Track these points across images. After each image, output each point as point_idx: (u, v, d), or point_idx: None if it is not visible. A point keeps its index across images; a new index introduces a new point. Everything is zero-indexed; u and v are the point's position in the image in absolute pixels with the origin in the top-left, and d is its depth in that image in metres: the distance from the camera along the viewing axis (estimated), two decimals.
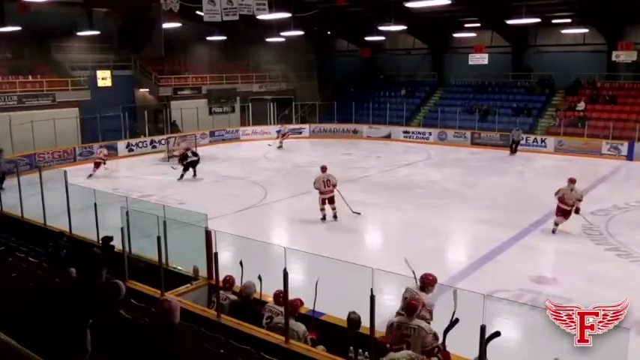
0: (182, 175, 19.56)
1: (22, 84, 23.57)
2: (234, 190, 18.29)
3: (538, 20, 24.85)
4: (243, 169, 21.96)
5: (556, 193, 13.10)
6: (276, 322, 6.18)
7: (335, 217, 14.25)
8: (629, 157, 24.06)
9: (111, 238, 7.88)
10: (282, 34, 27.80)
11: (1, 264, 6.57)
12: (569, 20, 27.24)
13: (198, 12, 18.49)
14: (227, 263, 8.04)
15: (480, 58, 28.14)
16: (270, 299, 6.68)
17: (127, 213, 8.23)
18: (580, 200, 12.83)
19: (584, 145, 25.36)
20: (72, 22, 25.30)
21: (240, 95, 32.30)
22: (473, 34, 31.11)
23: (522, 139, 26.15)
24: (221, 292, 6.84)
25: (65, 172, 10.67)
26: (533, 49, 31.67)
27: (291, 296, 6.08)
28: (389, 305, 7.10)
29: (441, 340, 5.78)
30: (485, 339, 5.52)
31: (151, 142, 26.06)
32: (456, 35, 32.39)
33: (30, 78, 24.27)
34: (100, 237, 8.38)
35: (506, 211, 15.28)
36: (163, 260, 7.47)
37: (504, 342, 7.39)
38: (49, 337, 3.45)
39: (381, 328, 6.12)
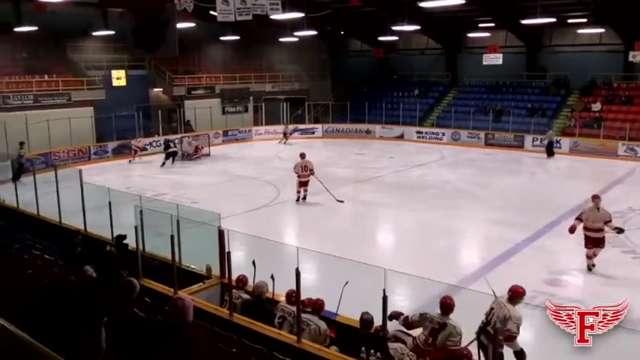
0: (163, 163, 22.45)
1: (38, 83, 23.82)
2: (246, 190, 18.34)
3: (553, 20, 24.65)
4: (255, 168, 22.01)
5: (578, 218, 10.62)
6: (303, 319, 6.16)
7: (305, 198, 16.14)
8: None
9: (124, 237, 7.94)
10: (295, 33, 27.81)
11: (17, 261, 6.65)
12: (584, 20, 26.98)
13: (212, 12, 18.57)
14: (240, 262, 8.06)
15: (494, 58, 27.99)
16: (283, 299, 6.69)
17: (141, 212, 8.29)
18: (610, 221, 10.49)
19: (599, 146, 25.10)
20: (87, 22, 25.50)
21: (254, 95, 32.39)
22: (487, 34, 30.95)
23: (554, 140, 25.51)
24: (234, 291, 6.86)
25: (80, 170, 10.77)
26: (548, 49, 31.40)
27: (302, 296, 6.10)
28: (401, 306, 7.10)
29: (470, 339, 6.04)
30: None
31: (165, 141, 26.17)
32: (469, 35, 32.25)
33: (46, 77, 24.53)
34: (114, 235, 8.45)
35: (520, 212, 15.17)
36: (176, 259, 7.51)
37: (519, 344, 7.37)
38: (64, 334, 3.48)
39: (392, 328, 6.11)
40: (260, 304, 6.75)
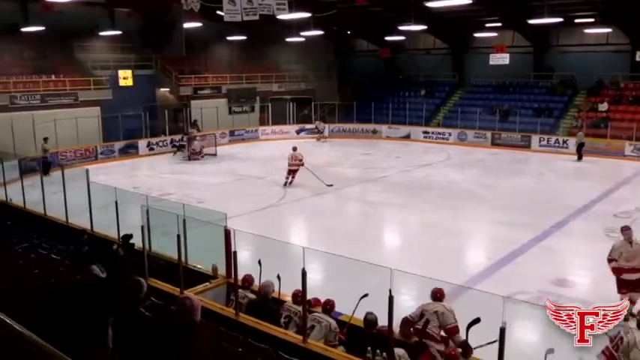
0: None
1: (45, 83, 23.92)
2: (253, 190, 18.37)
3: (560, 20, 24.53)
4: (262, 168, 22.04)
5: (611, 258, 8.66)
6: (314, 317, 6.17)
7: (291, 183, 18.43)
8: None
9: (131, 236, 7.96)
10: (301, 33, 27.84)
11: (24, 260, 6.68)
12: (592, 20, 26.86)
13: (218, 12, 18.60)
14: (246, 262, 8.08)
15: (500, 58, 27.90)
16: (289, 299, 6.70)
17: (147, 211, 8.31)
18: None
19: (606, 146, 24.97)
20: (94, 22, 25.59)
21: (260, 95, 32.43)
22: (494, 34, 30.87)
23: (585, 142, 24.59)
24: (240, 290, 6.87)
25: (87, 170, 10.82)
26: (555, 49, 31.29)
27: (308, 296, 6.10)
28: (407, 306, 7.08)
29: (464, 337, 5.95)
30: (467, 325, 5.90)
31: (171, 141, 26.27)
32: (476, 35, 32.17)
33: (53, 77, 24.63)
34: (121, 235, 8.47)
35: (527, 212, 15.10)
36: (183, 258, 7.53)
37: (524, 346, 7.37)
38: (71, 333, 3.49)
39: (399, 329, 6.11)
40: (266, 304, 6.76)
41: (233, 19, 17.27)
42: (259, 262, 7.24)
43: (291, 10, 18.17)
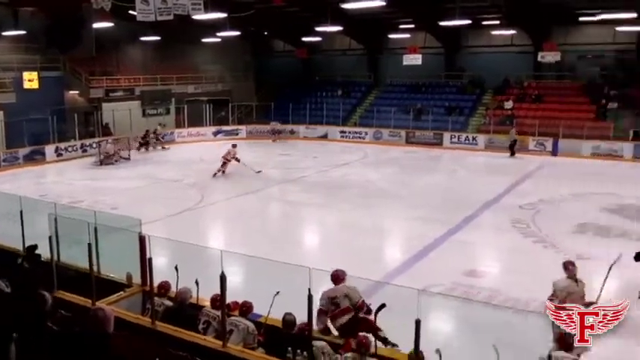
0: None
1: None
2: (169, 194, 17.96)
3: (469, 22, 25.64)
4: (179, 171, 21.59)
5: (554, 296, 7.03)
6: (232, 321, 6.13)
7: (219, 172, 20.35)
8: (554, 153, 25.23)
9: (35, 247, 7.59)
10: (218, 34, 27.52)
11: None
12: (498, 22, 28.30)
13: (131, 11, 18.06)
14: (163, 269, 7.89)
15: (414, 59, 28.76)
16: (208, 304, 6.62)
17: (56, 220, 7.94)
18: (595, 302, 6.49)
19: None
20: None
21: (176, 97, 31.74)
22: (407, 36, 31.81)
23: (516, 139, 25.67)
24: (156, 298, 6.72)
25: None
26: (465, 50, 32.71)
27: (228, 299, 6.06)
28: None
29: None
30: (375, 311, 6.22)
31: (82, 145, 25.22)
32: (390, 36, 33.03)
33: None
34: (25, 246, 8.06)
35: (439, 208, 15.70)
36: (95, 268, 7.26)
37: (440, 335, 7.65)
38: None
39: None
40: (183, 310, 6.64)
41: (146, 19, 16.84)
42: (176, 268, 7.11)
43: (206, 10, 17.92)
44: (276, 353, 5.79)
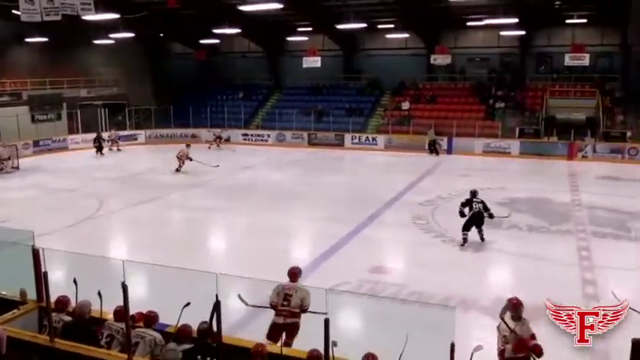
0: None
1: None
2: (65, 204, 17.00)
3: (365, 25, 26.37)
4: (74, 180, 20.49)
5: (503, 341, 5.87)
6: (137, 333, 5.90)
7: (177, 171, 21.56)
8: (449, 151, 26.50)
9: None
10: (111, 35, 26.46)
11: None
12: (392, 26, 29.33)
13: (15, 11, 16.93)
14: (61, 283, 7.48)
15: (313, 61, 29.11)
16: (111, 316, 6.35)
17: None
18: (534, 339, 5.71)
19: (410, 141, 27.45)
20: None
21: (67, 101, 30.12)
22: (306, 38, 32.18)
23: (435, 139, 26.46)
24: (54, 314, 6.34)
25: None
26: (362, 52, 33.62)
27: (133, 310, 5.84)
28: (238, 308, 7.14)
29: None
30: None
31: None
32: (290, 39, 33.24)
33: None
34: None
35: (344, 207, 16.02)
36: None
37: (349, 331, 7.81)
38: None
39: (227, 333, 6.11)
40: (82, 324, 6.32)
41: (31, 19, 15.82)
42: (75, 281, 6.75)
43: (97, 10, 17.11)
44: None
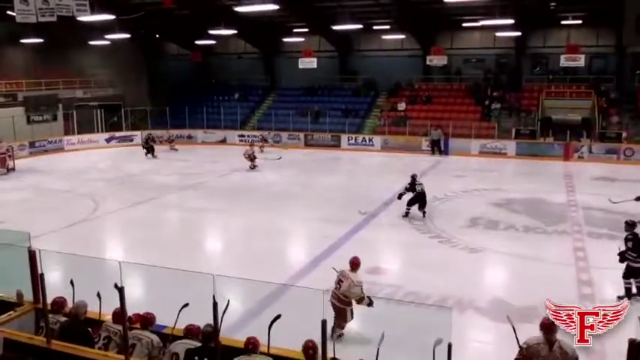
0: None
1: None
2: (61, 205, 16.98)
3: (360, 26, 26.40)
4: (70, 181, 20.46)
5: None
6: (134, 335, 5.89)
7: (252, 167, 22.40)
8: (445, 152, 26.54)
9: None
10: (106, 36, 26.41)
11: None
12: (388, 27, 29.36)
13: (9, 12, 16.87)
14: (58, 284, 7.47)
15: (309, 62, 29.13)
16: (109, 317, 6.34)
17: None
18: None
19: (406, 142, 27.49)
20: None
21: (63, 102, 30.08)
22: (301, 39, 32.19)
23: (441, 138, 26.55)
24: (50, 315, 6.33)
25: None
26: (358, 53, 33.65)
27: (131, 312, 5.84)
28: (235, 308, 7.12)
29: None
30: (269, 325, 5.87)
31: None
32: (285, 40, 33.26)
33: None
34: None
35: (340, 207, 16.00)
36: None
37: (345, 332, 7.81)
38: None
39: (226, 334, 6.10)
40: (78, 325, 6.30)
41: (26, 20, 15.80)
42: (71, 283, 6.74)
43: (93, 11, 17.11)
44: None
